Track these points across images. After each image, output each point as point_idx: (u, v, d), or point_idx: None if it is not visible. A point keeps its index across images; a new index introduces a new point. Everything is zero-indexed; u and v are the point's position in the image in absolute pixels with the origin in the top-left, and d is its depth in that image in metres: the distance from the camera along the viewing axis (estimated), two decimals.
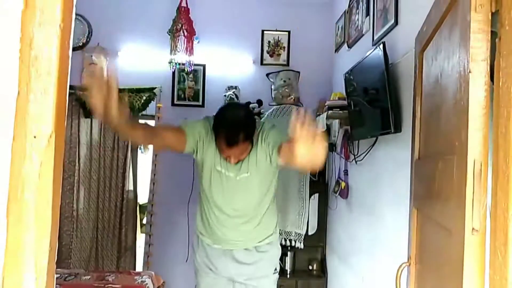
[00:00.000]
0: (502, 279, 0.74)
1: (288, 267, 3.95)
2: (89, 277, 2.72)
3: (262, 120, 2.34)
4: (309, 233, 3.94)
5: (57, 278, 2.64)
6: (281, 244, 3.87)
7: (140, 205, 5.32)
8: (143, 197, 4.35)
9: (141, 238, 4.74)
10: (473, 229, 0.86)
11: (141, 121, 3.38)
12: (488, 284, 0.82)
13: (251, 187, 2.07)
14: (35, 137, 0.67)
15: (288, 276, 3.92)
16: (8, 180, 0.66)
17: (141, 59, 3.87)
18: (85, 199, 3.82)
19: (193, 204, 4.03)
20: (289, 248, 3.93)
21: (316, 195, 3.98)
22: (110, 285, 2.53)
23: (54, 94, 0.67)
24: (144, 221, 4.69)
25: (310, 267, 4.01)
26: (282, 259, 3.99)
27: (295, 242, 3.90)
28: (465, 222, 0.87)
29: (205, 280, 2.32)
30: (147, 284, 2.62)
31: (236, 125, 1.82)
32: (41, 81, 0.67)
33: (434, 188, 1.22)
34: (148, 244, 4.08)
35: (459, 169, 0.94)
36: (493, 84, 0.89)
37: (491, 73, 0.91)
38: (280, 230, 3.91)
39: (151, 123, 3.76)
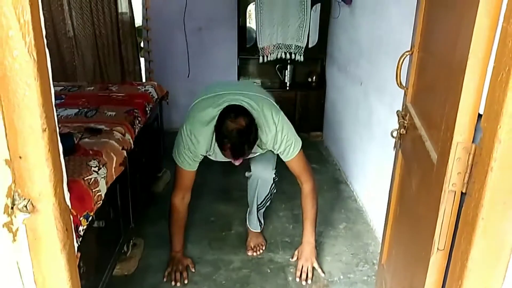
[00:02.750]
0: None
1: (287, 80, 4.02)
2: (92, 88, 2.77)
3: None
4: (310, 46, 3.89)
5: (61, 89, 2.70)
6: (281, 58, 3.89)
7: (136, 28, 5.14)
8: (137, 20, 4.17)
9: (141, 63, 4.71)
10: None
11: None
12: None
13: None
14: None
15: (287, 88, 4.02)
16: None
17: None
18: (78, 16, 3.65)
19: (189, 20, 3.88)
20: (289, 61, 3.93)
21: (318, 5, 3.78)
22: (114, 94, 2.60)
23: None
24: (142, 45, 4.59)
25: (310, 79, 4.08)
26: (281, 73, 4.04)
27: (295, 55, 3.87)
28: None
29: None
30: (150, 93, 2.68)
31: (240, 138, 1.80)
32: None
33: None
34: (148, 61, 4.06)
35: None
36: None
37: None
38: (280, 43, 3.85)
39: None
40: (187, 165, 2.05)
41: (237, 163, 1.91)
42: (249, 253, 2.33)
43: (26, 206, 0.81)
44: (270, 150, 2.10)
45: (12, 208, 0.80)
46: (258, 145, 2.01)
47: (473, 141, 0.86)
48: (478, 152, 0.81)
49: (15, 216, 0.81)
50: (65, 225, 0.88)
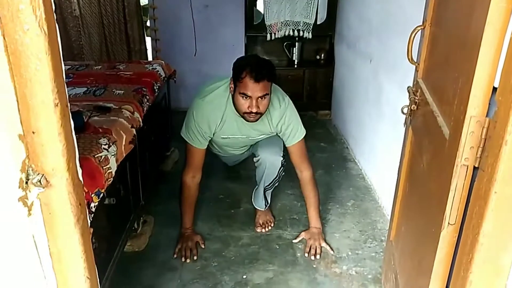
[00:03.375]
0: None
1: (295, 57, 3.98)
2: (100, 66, 2.77)
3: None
4: (318, 23, 3.83)
5: (68, 69, 2.70)
6: (289, 35, 3.84)
7: (142, 7, 5.08)
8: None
9: (148, 42, 4.68)
10: None
11: None
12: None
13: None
14: None
15: (295, 66, 3.99)
16: None
17: None
18: None
19: None
20: (297, 38, 3.89)
21: None
22: (121, 73, 2.59)
23: None
24: (148, 24, 4.55)
25: (318, 57, 4.03)
26: (289, 50, 3.99)
27: (303, 32, 3.83)
28: None
29: None
30: (158, 71, 2.67)
31: (260, 59, 1.94)
32: None
33: None
34: (154, 39, 4.03)
35: None
36: None
37: None
38: (288, 20, 3.79)
39: None
40: (198, 142, 2.08)
41: (254, 109, 1.89)
42: (258, 230, 2.36)
43: (40, 181, 0.82)
44: (276, 135, 2.16)
45: (26, 182, 0.81)
46: (268, 120, 2.07)
47: (486, 115, 0.85)
48: (492, 126, 0.80)
49: (29, 191, 0.82)
50: (78, 200, 0.89)
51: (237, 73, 1.89)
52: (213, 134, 2.12)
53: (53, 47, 0.74)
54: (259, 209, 2.41)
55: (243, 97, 1.89)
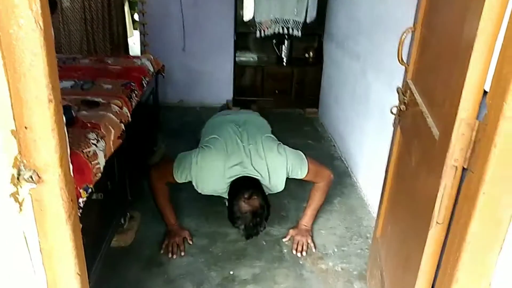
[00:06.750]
0: None
1: (284, 55, 3.99)
2: (87, 60, 2.73)
3: None
4: (308, 21, 3.85)
5: None
6: (278, 33, 3.85)
7: (130, 1, 5.02)
8: None
9: (136, 37, 4.63)
10: None
11: None
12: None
13: None
14: None
15: (284, 64, 4.00)
16: None
17: None
18: None
19: None
20: (286, 36, 3.89)
21: None
22: (110, 67, 2.56)
23: None
24: (136, 18, 4.50)
25: (307, 55, 4.05)
26: (278, 48, 4.00)
27: (293, 30, 3.84)
28: None
29: None
30: (147, 66, 2.65)
31: (254, 219, 1.91)
32: None
33: None
34: (143, 34, 4.00)
35: None
36: None
37: None
38: (277, 18, 3.79)
39: None
40: (179, 178, 2.09)
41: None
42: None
43: (31, 177, 0.81)
44: None
45: (18, 178, 0.80)
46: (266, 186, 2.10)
47: (476, 118, 0.87)
48: (482, 128, 0.82)
49: (21, 187, 0.81)
50: (70, 196, 0.88)
51: (232, 216, 1.95)
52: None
53: (48, 43, 0.73)
54: None
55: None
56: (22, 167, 0.81)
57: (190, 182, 2.10)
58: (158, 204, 2.23)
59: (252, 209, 1.89)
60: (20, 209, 0.83)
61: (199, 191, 2.13)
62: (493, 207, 0.81)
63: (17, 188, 0.81)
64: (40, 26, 0.69)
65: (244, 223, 1.90)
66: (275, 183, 2.10)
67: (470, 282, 0.91)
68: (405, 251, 1.29)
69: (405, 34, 1.45)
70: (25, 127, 0.78)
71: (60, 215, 0.88)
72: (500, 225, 0.84)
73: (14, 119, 0.76)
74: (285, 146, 2.16)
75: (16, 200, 0.81)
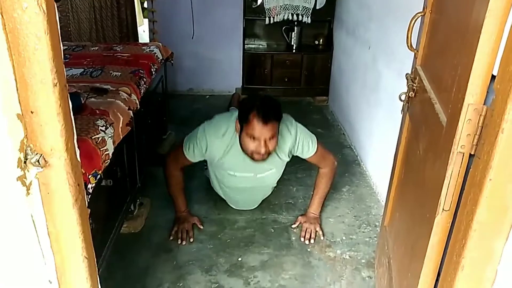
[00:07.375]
0: None
1: (294, 42, 3.95)
2: (96, 48, 2.74)
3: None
4: (317, 7, 3.80)
5: (65, 49, 2.67)
6: (288, 20, 3.81)
7: None
8: None
9: (145, 25, 4.61)
10: None
11: None
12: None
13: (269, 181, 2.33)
14: None
15: (294, 51, 3.96)
16: None
17: None
18: None
19: None
20: (295, 23, 3.85)
21: None
22: (119, 54, 2.56)
23: None
24: (145, 5, 4.49)
25: (316, 42, 4.01)
26: (288, 35, 3.96)
27: (302, 16, 3.80)
28: None
29: None
30: (155, 53, 2.65)
31: (266, 100, 1.91)
32: None
33: None
34: (152, 21, 3.99)
35: None
36: None
37: None
38: (287, 4, 3.75)
39: None
40: (191, 156, 2.12)
41: (263, 150, 1.91)
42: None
43: (38, 161, 0.82)
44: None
45: (25, 162, 0.81)
46: (277, 154, 2.09)
47: (484, 103, 0.86)
48: (489, 114, 0.81)
49: (28, 170, 0.82)
50: (76, 180, 0.89)
51: (244, 114, 1.90)
52: (216, 164, 2.17)
53: (52, 26, 0.73)
54: None
55: (250, 138, 1.90)
56: (29, 151, 0.82)
57: (204, 164, 2.11)
58: (171, 191, 2.25)
59: (262, 97, 1.95)
60: (28, 193, 0.84)
61: (213, 162, 2.16)
62: (499, 194, 0.80)
63: (24, 172, 0.82)
64: (43, 10, 0.69)
65: (256, 108, 1.85)
66: (280, 146, 2.08)
67: (476, 269, 0.90)
68: (412, 239, 1.29)
69: (414, 19, 1.43)
70: (31, 112, 0.79)
71: (67, 199, 0.89)
72: (507, 212, 0.83)
73: (20, 103, 0.77)
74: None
75: (24, 183, 0.82)
